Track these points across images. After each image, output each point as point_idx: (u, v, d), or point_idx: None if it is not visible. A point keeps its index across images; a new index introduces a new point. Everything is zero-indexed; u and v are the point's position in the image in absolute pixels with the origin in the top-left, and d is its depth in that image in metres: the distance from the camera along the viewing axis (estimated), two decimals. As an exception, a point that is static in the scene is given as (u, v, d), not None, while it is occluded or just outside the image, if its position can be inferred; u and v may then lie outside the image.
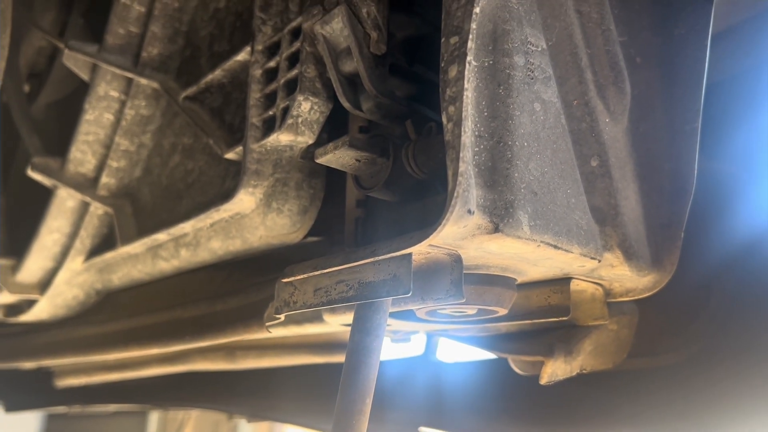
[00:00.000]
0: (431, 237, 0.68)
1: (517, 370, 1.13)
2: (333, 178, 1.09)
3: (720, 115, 1.28)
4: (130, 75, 1.34)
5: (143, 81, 1.34)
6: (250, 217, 1.04)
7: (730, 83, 1.35)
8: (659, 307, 1.11)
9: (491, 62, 0.76)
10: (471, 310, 0.90)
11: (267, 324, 1.02)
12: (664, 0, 1.00)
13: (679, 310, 1.26)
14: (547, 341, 1.00)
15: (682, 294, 1.10)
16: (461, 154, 0.65)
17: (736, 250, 1.29)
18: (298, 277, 0.87)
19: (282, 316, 0.92)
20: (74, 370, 2.24)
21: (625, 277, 0.90)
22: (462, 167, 0.65)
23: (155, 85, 1.33)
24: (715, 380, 1.23)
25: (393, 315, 0.99)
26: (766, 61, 1.34)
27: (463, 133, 0.66)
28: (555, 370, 0.97)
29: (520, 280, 0.92)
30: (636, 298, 0.96)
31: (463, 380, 1.79)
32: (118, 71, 1.34)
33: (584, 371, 1.02)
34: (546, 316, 0.93)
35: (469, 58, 0.66)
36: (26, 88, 1.93)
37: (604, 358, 1.04)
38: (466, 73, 0.66)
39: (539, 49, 0.81)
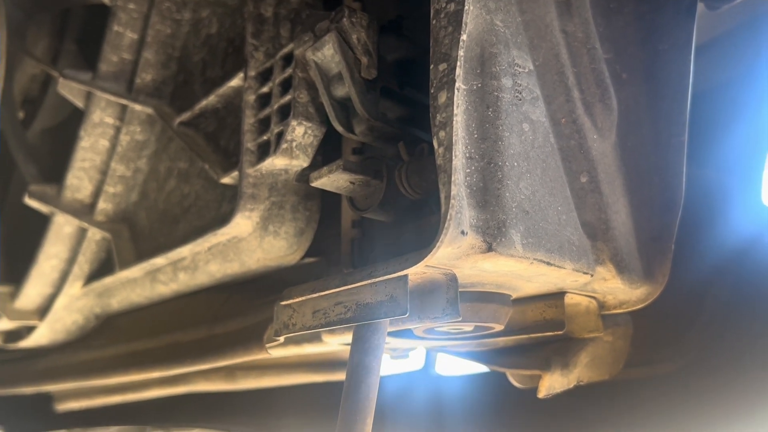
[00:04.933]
0: (426, 259, 0.69)
1: (515, 384, 1.15)
2: (328, 199, 1.11)
3: (706, 123, 1.30)
4: (124, 101, 1.36)
5: (138, 107, 1.36)
6: (248, 241, 1.06)
7: (716, 92, 1.37)
8: (653, 317, 1.13)
9: (480, 85, 0.78)
10: (468, 327, 0.91)
11: (267, 346, 1.03)
12: (647, 16, 1.02)
13: (672, 319, 1.28)
14: (543, 355, 1.01)
15: (675, 303, 1.12)
16: (453, 178, 0.67)
17: (726, 256, 1.30)
18: (297, 300, 0.88)
19: (281, 338, 0.93)
20: (75, 393, 2.24)
21: (618, 289, 0.92)
22: (454, 190, 0.67)
23: (149, 110, 1.35)
24: (711, 388, 1.24)
25: (391, 334, 1.00)
26: (751, 70, 1.37)
27: (454, 158, 0.67)
28: (552, 383, 0.98)
29: (515, 295, 0.94)
30: (629, 309, 0.97)
31: (463, 393, 1.80)
32: (112, 98, 1.35)
33: (581, 383, 1.03)
34: (542, 331, 0.94)
35: (457, 84, 0.68)
36: (20, 114, 1.94)
37: (601, 369, 1.06)
38: (455, 99, 0.67)
39: (526, 70, 0.83)
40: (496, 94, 0.78)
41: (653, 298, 0.95)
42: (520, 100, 0.81)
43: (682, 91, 0.97)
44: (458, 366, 1.76)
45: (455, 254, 0.72)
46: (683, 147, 0.95)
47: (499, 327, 0.91)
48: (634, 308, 0.97)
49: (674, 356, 1.29)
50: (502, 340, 1.09)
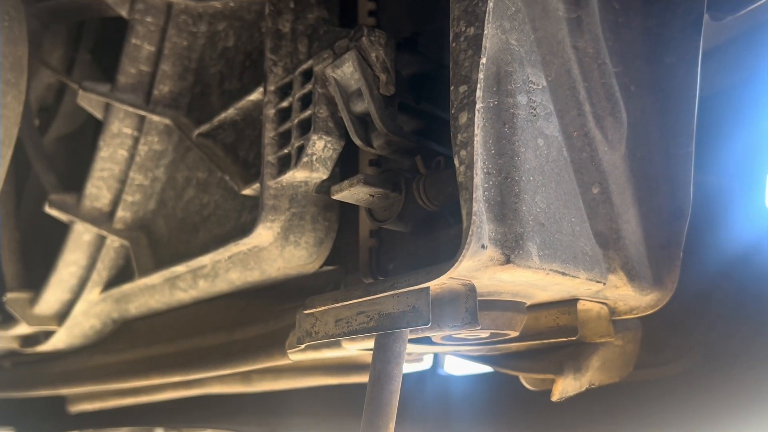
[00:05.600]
0: (449, 272, 0.72)
1: (527, 386, 1.18)
2: (345, 207, 1.14)
3: (710, 128, 1.33)
4: (142, 113, 1.39)
5: (155, 118, 1.39)
6: (269, 250, 1.09)
7: (719, 98, 1.40)
8: (660, 319, 1.16)
9: (496, 103, 0.81)
10: (484, 334, 0.94)
11: (289, 352, 1.06)
12: (654, 30, 1.05)
13: (679, 321, 1.31)
14: (556, 359, 1.05)
15: (682, 305, 1.15)
16: (474, 195, 0.70)
17: (731, 260, 1.33)
18: (319, 309, 0.92)
19: (303, 345, 0.97)
20: (88, 396, 2.27)
21: (628, 296, 0.95)
22: (475, 207, 0.70)
23: (167, 121, 1.38)
24: (717, 389, 1.27)
25: (409, 341, 1.03)
26: (753, 76, 1.40)
27: (475, 176, 0.70)
28: (566, 387, 1.01)
29: (529, 302, 0.97)
30: (639, 315, 1.01)
31: (471, 393, 1.83)
32: (131, 109, 1.39)
33: (593, 386, 1.07)
34: (555, 337, 0.98)
35: (478, 105, 0.71)
36: (36, 122, 1.97)
37: (612, 372, 1.09)
38: (476, 120, 0.71)
39: (540, 87, 0.86)
40: (512, 111, 0.81)
41: (663, 304, 0.98)
42: (535, 116, 0.85)
43: (688, 103, 1.00)
44: (466, 366, 1.79)
45: (475, 266, 0.76)
46: (690, 158, 0.98)
47: (514, 333, 0.94)
48: (644, 314, 1.00)
49: (681, 358, 1.33)
50: (514, 345, 1.12)
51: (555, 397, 1.01)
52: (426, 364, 1.84)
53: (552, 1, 0.92)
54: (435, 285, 0.80)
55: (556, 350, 1.07)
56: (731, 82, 1.43)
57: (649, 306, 0.98)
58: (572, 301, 0.96)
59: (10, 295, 1.71)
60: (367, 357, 1.37)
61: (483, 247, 0.73)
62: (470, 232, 0.70)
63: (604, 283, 0.87)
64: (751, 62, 1.41)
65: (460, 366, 1.89)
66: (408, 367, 1.80)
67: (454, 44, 0.76)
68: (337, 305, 0.89)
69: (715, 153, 1.38)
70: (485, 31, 0.73)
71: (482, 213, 0.73)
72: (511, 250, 0.76)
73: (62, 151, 1.93)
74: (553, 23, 0.92)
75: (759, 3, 1.11)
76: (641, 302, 0.98)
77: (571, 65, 0.93)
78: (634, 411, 1.34)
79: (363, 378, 1.46)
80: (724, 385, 1.28)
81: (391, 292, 0.81)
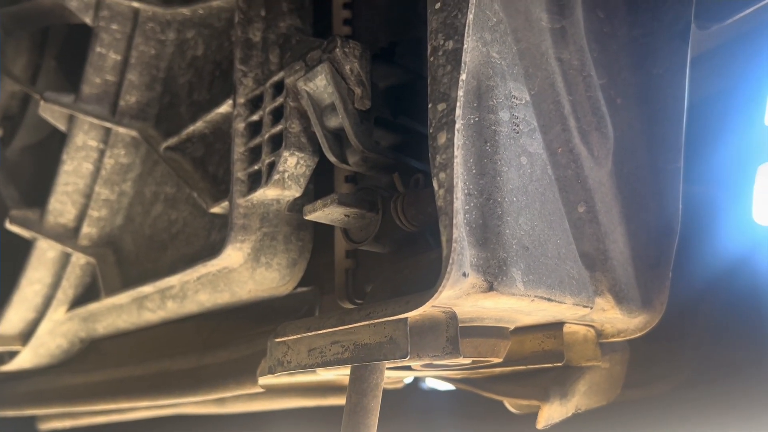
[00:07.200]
0: (429, 302, 0.67)
1: (512, 410, 1.13)
2: (320, 225, 1.09)
3: (695, 138, 1.30)
4: (108, 124, 1.33)
5: (122, 130, 1.32)
6: (239, 272, 1.03)
7: (704, 106, 1.37)
8: (646, 337, 1.12)
9: (477, 119, 0.76)
10: (466, 361, 0.90)
11: (260, 381, 1.01)
12: (641, 40, 1.01)
13: (665, 338, 1.28)
14: (541, 384, 1.00)
15: (668, 321, 1.12)
16: (454, 221, 0.65)
17: (718, 273, 1.31)
18: (291, 337, 0.86)
19: (275, 375, 0.91)
20: (58, 414, 2.20)
21: (616, 319, 0.91)
22: (455, 233, 0.65)
23: (134, 133, 1.32)
24: (706, 405, 1.25)
25: (389, 367, 0.98)
26: (739, 84, 1.37)
27: (455, 200, 0.66)
28: (551, 413, 0.97)
29: (513, 327, 0.92)
30: (627, 338, 0.97)
31: (453, 408, 1.79)
32: (96, 121, 1.32)
33: (579, 411, 1.03)
34: (540, 362, 0.93)
35: (457, 125, 0.66)
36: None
37: (599, 396, 1.05)
38: (456, 140, 0.66)
39: (523, 101, 0.82)
40: (493, 128, 0.77)
41: (651, 326, 0.94)
42: (518, 132, 0.80)
43: (677, 115, 0.97)
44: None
45: (456, 294, 0.71)
46: (679, 173, 0.95)
47: (497, 360, 0.90)
48: (632, 336, 0.96)
49: (669, 375, 1.29)
50: (498, 369, 1.08)
51: (540, 424, 0.96)
52: (406, 379, 1.80)
53: (535, 10, 0.88)
54: (414, 314, 0.75)
55: (541, 374, 1.03)
56: (716, 90, 1.41)
57: (637, 329, 0.94)
58: (558, 325, 0.92)
59: (-30, 315, 1.63)
60: (346, 378, 1.32)
61: (464, 275, 0.68)
62: (450, 260, 0.65)
63: (592, 307, 0.83)
64: (738, 70, 1.38)
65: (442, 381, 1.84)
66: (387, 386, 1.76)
67: (432, 59, 0.71)
68: (310, 334, 0.84)
69: (701, 163, 1.35)
70: (465, 45, 0.68)
71: (463, 239, 0.68)
72: (494, 277, 0.72)
73: (27, 163, 1.85)
74: (536, 34, 0.88)
75: (745, 12, 1.09)
76: (629, 325, 0.94)
77: (555, 78, 0.89)
78: (622, 430, 1.31)
79: (342, 400, 1.41)
80: (713, 402, 1.25)
81: (367, 322, 0.76)
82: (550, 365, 0.92)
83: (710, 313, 1.31)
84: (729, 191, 1.36)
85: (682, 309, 1.26)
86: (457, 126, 0.66)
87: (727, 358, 1.27)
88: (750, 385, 1.22)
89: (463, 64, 0.67)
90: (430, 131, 0.69)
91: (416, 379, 1.87)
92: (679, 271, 1.10)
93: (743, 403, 1.22)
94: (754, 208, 1.32)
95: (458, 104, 0.67)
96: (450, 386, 1.76)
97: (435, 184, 0.68)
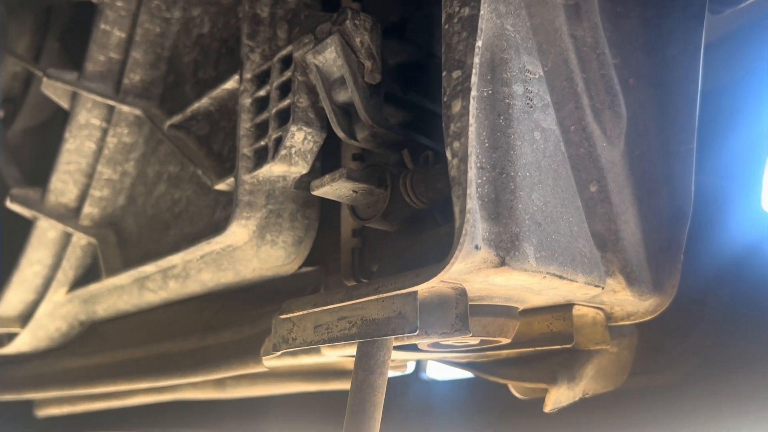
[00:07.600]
0: (440, 275, 0.66)
1: (517, 395, 1.12)
2: (327, 204, 1.07)
3: (705, 127, 1.28)
4: (111, 103, 1.31)
5: (125, 108, 1.31)
6: (243, 250, 1.02)
7: (714, 96, 1.36)
8: (653, 325, 1.11)
9: (490, 92, 0.75)
10: (474, 341, 0.88)
11: (264, 359, 0.99)
12: (654, 21, 1.00)
13: (673, 326, 1.26)
14: (549, 367, 0.99)
15: (675, 310, 1.10)
16: (468, 191, 0.64)
17: (726, 263, 1.29)
18: (297, 314, 0.85)
19: (279, 353, 0.90)
20: (56, 400, 2.18)
21: (626, 301, 0.90)
22: (469, 204, 0.64)
23: (138, 112, 1.30)
24: (712, 395, 1.23)
25: (394, 348, 0.97)
26: (750, 74, 1.36)
27: (469, 169, 0.64)
28: (559, 397, 0.96)
29: (521, 307, 0.91)
30: (637, 321, 0.95)
31: (455, 398, 1.77)
32: (99, 99, 1.31)
33: (587, 395, 1.01)
34: (549, 344, 0.92)
35: (473, 93, 0.64)
36: (1, 113, 1.88)
37: (606, 381, 1.03)
38: (471, 108, 0.64)
39: (537, 76, 0.80)
40: (507, 101, 0.75)
41: (662, 309, 0.92)
42: (531, 107, 0.78)
43: (690, 97, 0.95)
44: (449, 370, 1.73)
45: (467, 269, 0.69)
46: (692, 155, 0.93)
47: (506, 341, 0.88)
48: (642, 320, 0.94)
49: (675, 364, 1.28)
50: (504, 352, 1.06)
51: (548, 407, 0.95)
52: (408, 368, 1.78)
53: (549, -15, 0.86)
54: (423, 289, 0.73)
55: (549, 358, 1.02)
56: (727, 80, 1.39)
57: (647, 312, 0.93)
58: (567, 306, 0.91)
59: (-31, 296, 1.62)
60: (350, 363, 1.31)
61: (476, 247, 0.66)
62: (463, 231, 0.63)
63: (603, 287, 0.81)
64: (748, 59, 1.37)
65: (443, 370, 1.83)
66: (389, 373, 1.74)
67: (446, 26, 0.70)
68: (317, 310, 0.82)
69: (711, 153, 1.34)
70: (481, 12, 0.66)
71: (476, 211, 0.67)
72: (506, 252, 0.70)
73: (29, 144, 1.84)
74: (550, 9, 0.86)
75: (759, -4, 1.07)
76: (639, 307, 0.93)
77: (569, 55, 0.87)
78: (627, 419, 1.29)
79: (345, 385, 1.40)
80: (719, 391, 1.24)
81: (376, 296, 0.74)
82: (558, 347, 0.91)
83: (719, 303, 1.30)
84: (738, 182, 1.35)
85: (691, 299, 1.24)
86: (472, 93, 0.64)
87: (735, 348, 1.26)
88: (757, 375, 1.20)
89: (479, 31, 0.66)
90: (444, 100, 0.68)
91: (416, 370, 1.86)
92: (688, 261, 1.08)
93: (749, 394, 1.21)
94: (764, 198, 1.31)
95: (474, 71, 0.65)
96: (450, 376, 1.75)
97: (448, 154, 0.67)
